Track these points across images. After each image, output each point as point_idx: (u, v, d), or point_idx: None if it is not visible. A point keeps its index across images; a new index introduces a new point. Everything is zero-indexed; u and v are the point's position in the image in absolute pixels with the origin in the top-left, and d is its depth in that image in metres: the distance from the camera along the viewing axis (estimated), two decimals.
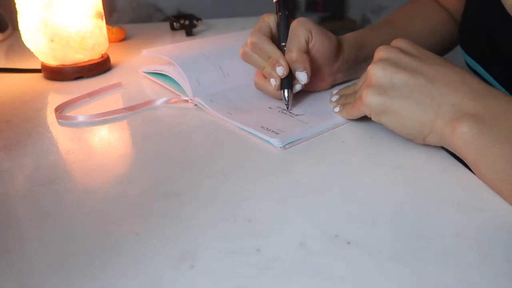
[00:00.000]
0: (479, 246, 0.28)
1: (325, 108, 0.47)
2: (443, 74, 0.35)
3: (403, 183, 0.34)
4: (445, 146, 0.36)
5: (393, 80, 0.36)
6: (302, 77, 0.45)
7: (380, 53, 0.38)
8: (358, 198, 0.33)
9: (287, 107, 0.46)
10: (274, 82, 0.45)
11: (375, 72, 0.37)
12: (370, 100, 0.37)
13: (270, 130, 0.42)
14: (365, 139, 0.41)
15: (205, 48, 0.56)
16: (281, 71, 0.44)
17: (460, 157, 0.35)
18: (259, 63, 0.47)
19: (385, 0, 2.15)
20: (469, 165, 0.34)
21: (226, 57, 0.54)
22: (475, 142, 0.32)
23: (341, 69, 0.51)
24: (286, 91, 0.46)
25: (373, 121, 0.40)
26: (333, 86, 0.53)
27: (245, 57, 0.47)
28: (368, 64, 0.38)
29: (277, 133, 0.41)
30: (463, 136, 0.33)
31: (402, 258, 0.27)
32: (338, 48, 0.49)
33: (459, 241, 0.28)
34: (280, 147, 0.40)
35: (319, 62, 0.48)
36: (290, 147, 0.40)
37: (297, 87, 0.46)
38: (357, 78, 0.54)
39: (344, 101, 0.45)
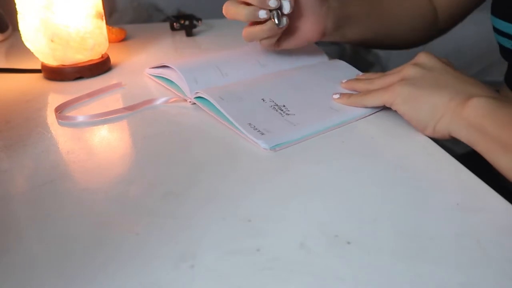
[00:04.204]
0: (479, 246, 0.28)
1: (318, 109, 0.46)
2: (469, 78, 0.39)
3: (403, 183, 0.34)
4: (452, 130, 0.37)
5: (425, 76, 0.40)
6: (285, 5, 0.47)
7: (409, 69, 0.42)
8: (358, 198, 0.33)
9: (278, 23, 0.47)
10: (264, 15, 0.46)
11: (409, 71, 0.41)
12: (401, 89, 0.40)
13: (256, 129, 0.41)
14: (365, 139, 0.41)
15: (208, 57, 0.56)
16: (274, 3, 0.46)
17: (466, 135, 0.36)
18: (243, 12, 0.47)
19: None
20: (474, 139, 0.35)
21: (227, 62, 0.54)
22: (486, 106, 0.35)
23: (329, 18, 0.52)
24: (275, 12, 0.47)
25: (373, 122, 0.40)
26: (323, 40, 0.54)
27: (228, 11, 0.48)
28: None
29: (263, 134, 0.40)
30: (474, 103, 0.35)
31: (402, 258, 0.27)
32: None
33: (459, 241, 0.28)
34: (269, 149, 0.39)
35: (303, 1, 0.50)
36: (280, 149, 0.39)
37: (286, 8, 0.47)
38: (345, 42, 0.57)
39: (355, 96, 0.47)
